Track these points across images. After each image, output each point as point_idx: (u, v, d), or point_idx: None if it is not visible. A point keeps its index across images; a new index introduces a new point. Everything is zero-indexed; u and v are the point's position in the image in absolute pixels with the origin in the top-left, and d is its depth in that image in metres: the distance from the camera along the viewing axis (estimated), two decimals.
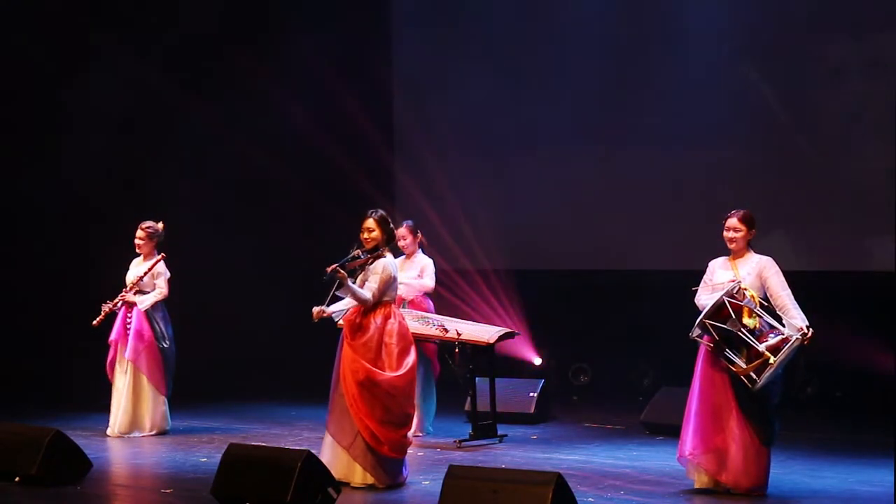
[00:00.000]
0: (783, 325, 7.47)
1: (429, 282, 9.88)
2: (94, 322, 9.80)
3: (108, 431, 9.88)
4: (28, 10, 11.89)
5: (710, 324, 7.44)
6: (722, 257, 7.81)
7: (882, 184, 10.59)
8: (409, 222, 9.99)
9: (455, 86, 12.95)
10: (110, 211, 11.84)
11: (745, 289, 7.51)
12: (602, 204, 12.26)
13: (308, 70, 12.91)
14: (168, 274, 9.95)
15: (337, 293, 7.78)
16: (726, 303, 7.41)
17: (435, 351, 9.89)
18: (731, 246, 7.72)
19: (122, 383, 9.88)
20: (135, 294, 9.89)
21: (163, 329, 9.92)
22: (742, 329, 7.39)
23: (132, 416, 9.88)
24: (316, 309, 7.86)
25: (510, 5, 12.82)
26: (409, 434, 8.02)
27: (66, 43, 12.02)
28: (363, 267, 7.82)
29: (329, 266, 7.61)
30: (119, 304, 9.86)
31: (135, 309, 9.86)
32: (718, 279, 7.68)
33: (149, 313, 9.88)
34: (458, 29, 13.01)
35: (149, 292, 9.92)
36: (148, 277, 9.90)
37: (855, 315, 10.68)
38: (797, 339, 7.34)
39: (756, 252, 7.73)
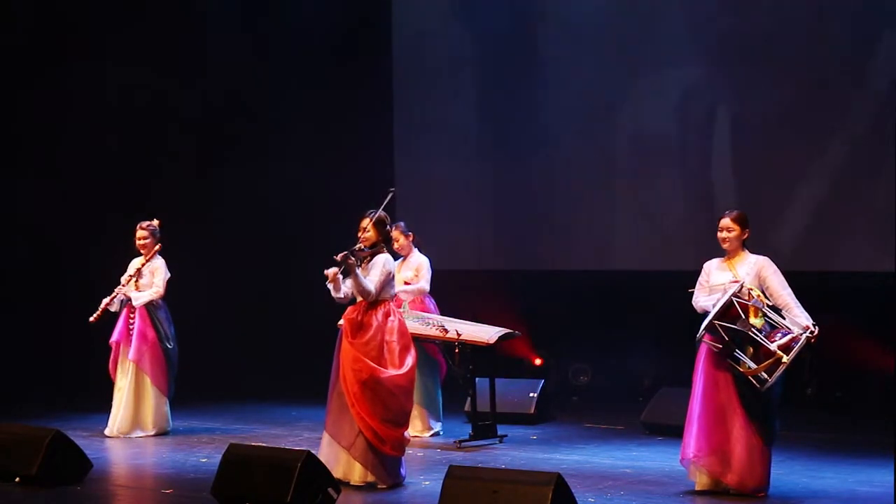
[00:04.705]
0: (788, 324, 7.46)
1: (423, 284, 9.86)
2: (92, 318, 9.75)
3: (107, 431, 9.87)
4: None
5: (720, 325, 7.38)
6: (717, 258, 7.78)
7: (882, 183, 10.58)
8: (401, 224, 9.95)
9: (455, 86, 12.95)
10: (111, 210, 11.83)
11: (751, 288, 7.46)
12: (602, 204, 12.25)
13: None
14: (168, 274, 9.92)
15: (342, 282, 7.78)
16: (735, 303, 7.37)
17: (438, 351, 9.88)
18: (725, 246, 7.69)
19: (124, 384, 9.87)
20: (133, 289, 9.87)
21: (166, 330, 9.89)
22: (752, 328, 7.37)
23: (134, 416, 9.87)
24: (331, 270, 7.72)
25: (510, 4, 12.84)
26: (410, 434, 8.03)
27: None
28: (361, 261, 7.81)
29: (338, 254, 7.61)
30: (116, 297, 9.78)
31: (137, 310, 9.83)
32: (716, 280, 7.66)
33: (151, 314, 9.85)
34: (457, 29, 13.02)
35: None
36: (147, 276, 9.89)
37: (855, 315, 10.67)
38: (805, 337, 7.32)
39: (753, 252, 7.72)
